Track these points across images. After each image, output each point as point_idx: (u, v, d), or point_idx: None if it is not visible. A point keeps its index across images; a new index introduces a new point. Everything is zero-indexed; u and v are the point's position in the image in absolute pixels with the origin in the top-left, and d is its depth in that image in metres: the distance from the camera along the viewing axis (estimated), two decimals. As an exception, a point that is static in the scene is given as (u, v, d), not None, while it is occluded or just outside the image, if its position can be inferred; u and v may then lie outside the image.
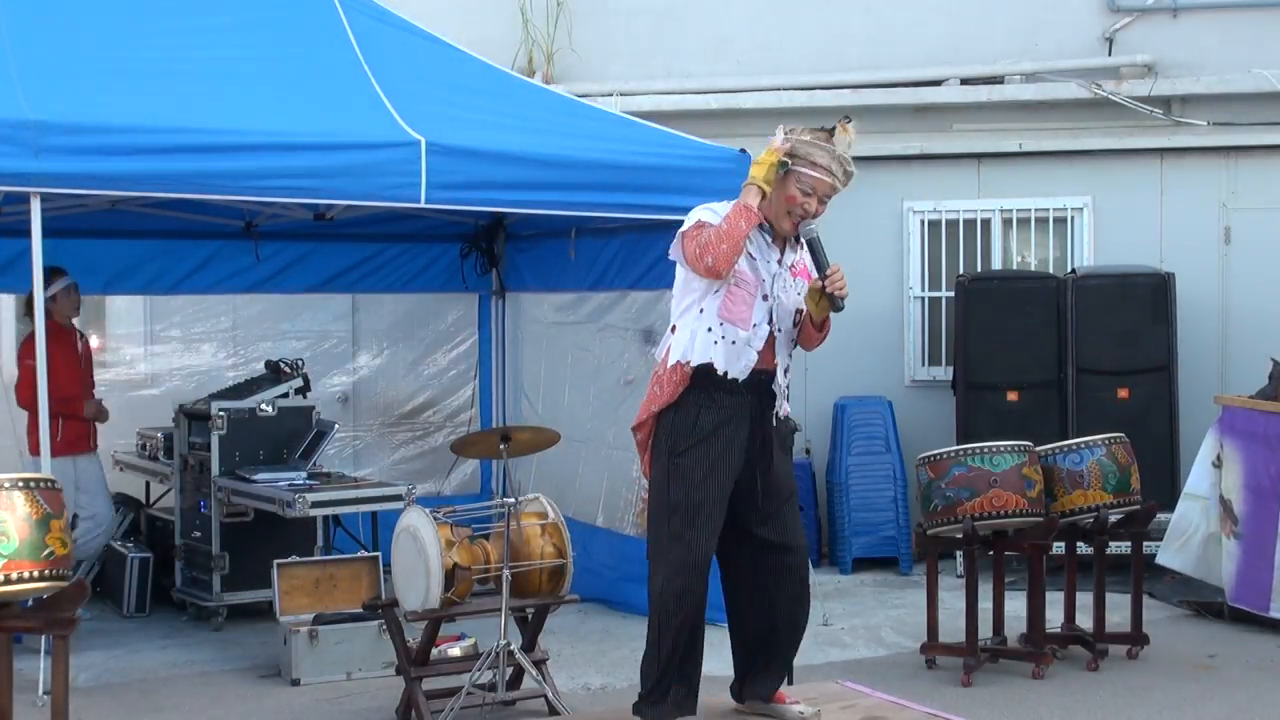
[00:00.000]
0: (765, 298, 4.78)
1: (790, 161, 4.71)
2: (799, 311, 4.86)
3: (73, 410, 8.29)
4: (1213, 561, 8.10)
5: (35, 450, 7.93)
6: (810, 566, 5.00)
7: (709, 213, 4.78)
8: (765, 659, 5.02)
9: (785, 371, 4.90)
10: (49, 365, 7.85)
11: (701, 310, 4.78)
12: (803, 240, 4.81)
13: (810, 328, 4.87)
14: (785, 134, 4.77)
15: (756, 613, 4.96)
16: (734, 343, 4.74)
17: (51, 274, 8.08)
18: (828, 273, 4.70)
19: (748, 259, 4.75)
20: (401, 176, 6.87)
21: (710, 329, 4.75)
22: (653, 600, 4.83)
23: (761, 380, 4.80)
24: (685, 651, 4.82)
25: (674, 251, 4.82)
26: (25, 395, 8.09)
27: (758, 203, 4.71)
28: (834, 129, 4.76)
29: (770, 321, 4.79)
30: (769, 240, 4.81)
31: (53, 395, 7.89)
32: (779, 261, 4.82)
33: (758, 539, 4.88)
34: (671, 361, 4.82)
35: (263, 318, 9.90)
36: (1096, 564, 7.45)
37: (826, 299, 4.72)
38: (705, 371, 4.75)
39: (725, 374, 4.74)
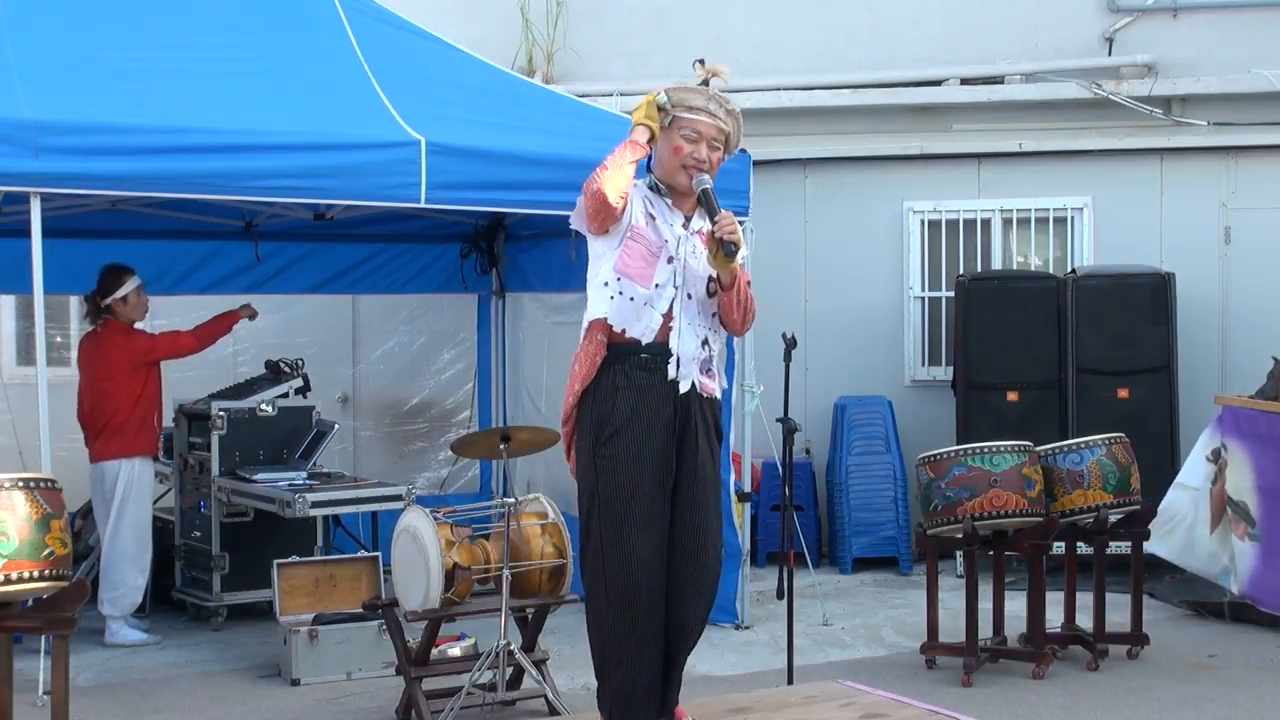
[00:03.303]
0: (670, 260, 4.60)
1: (670, 109, 4.63)
2: (712, 280, 4.65)
3: (151, 418, 8.07)
4: (1199, 552, 8.13)
5: (98, 456, 7.91)
6: (715, 586, 4.62)
7: None
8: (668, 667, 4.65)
9: (704, 344, 4.65)
10: (141, 374, 7.88)
11: (600, 269, 4.63)
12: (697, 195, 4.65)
13: (728, 300, 4.62)
14: (663, 91, 4.69)
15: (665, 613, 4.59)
16: (632, 299, 4.55)
17: (120, 273, 7.99)
18: (717, 218, 4.52)
19: (648, 219, 4.61)
20: (401, 176, 6.88)
21: (607, 283, 4.58)
22: (590, 614, 4.52)
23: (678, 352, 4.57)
24: (642, 661, 4.49)
25: (573, 218, 4.64)
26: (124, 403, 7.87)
27: (646, 139, 4.59)
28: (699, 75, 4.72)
29: (677, 285, 4.60)
30: (670, 204, 4.69)
31: (143, 403, 7.93)
32: (685, 226, 4.68)
33: (670, 536, 4.56)
34: (584, 325, 4.64)
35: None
36: (1096, 564, 7.45)
37: (719, 246, 4.50)
38: (618, 348, 4.55)
39: (624, 332, 4.54)
